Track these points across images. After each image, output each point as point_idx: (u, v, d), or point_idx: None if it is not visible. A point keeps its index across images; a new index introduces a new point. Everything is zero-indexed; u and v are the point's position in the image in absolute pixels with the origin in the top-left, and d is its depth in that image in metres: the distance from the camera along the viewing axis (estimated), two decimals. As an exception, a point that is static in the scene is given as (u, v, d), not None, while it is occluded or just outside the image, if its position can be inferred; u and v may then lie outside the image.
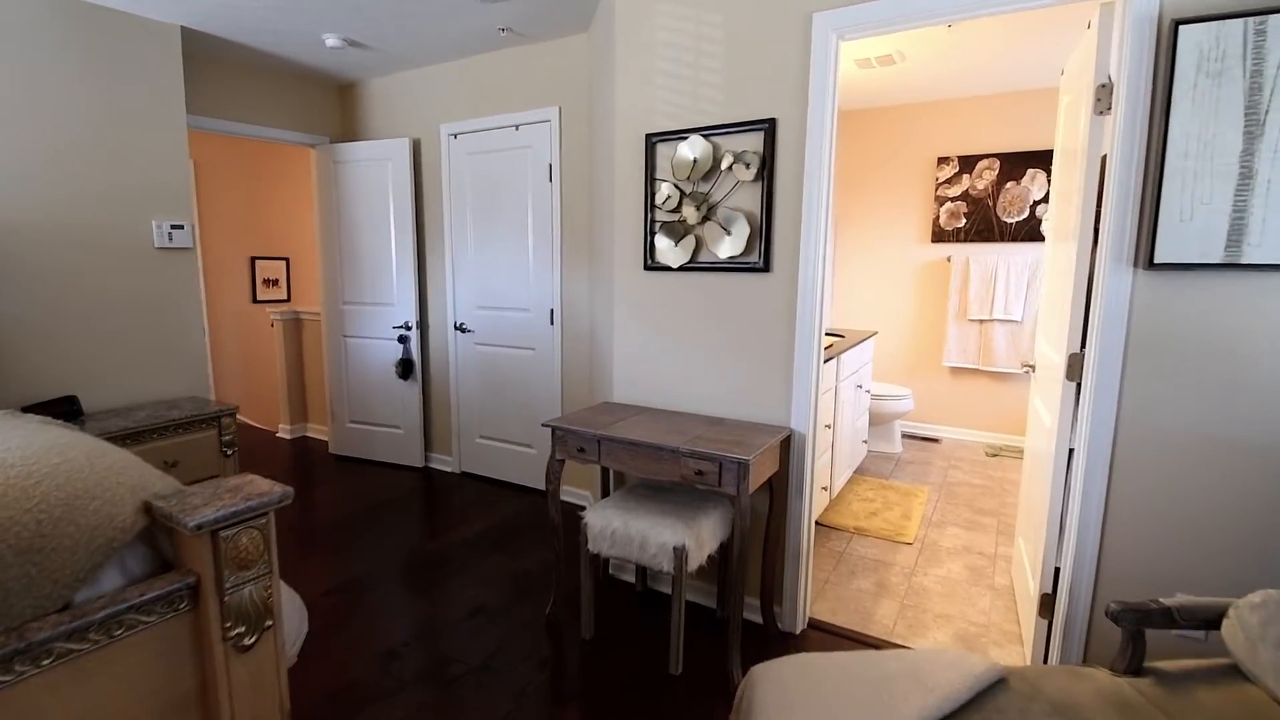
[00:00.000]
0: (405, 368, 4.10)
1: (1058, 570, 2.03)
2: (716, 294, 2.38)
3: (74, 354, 2.86)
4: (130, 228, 3.00)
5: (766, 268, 2.24)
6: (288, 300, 5.92)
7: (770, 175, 2.20)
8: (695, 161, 2.33)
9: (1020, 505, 2.69)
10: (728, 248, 2.30)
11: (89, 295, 2.89)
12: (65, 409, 2.76)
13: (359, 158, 4.04)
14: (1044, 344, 2.39)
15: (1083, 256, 1.85)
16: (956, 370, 4.84)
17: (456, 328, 3.97)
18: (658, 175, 2.46)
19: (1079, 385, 1.88)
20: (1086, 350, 1.82)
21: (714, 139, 2.31)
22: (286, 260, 5.90)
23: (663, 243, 2.46)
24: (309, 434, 5.13)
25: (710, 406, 2.44)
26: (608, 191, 2.70)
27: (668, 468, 2.07)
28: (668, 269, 2.47)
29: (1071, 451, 1.95)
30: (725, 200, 2.31)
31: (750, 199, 2.26)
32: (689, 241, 2.39)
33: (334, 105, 4.30)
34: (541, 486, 3.81)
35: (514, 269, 3.67)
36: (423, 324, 4.15)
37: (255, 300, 5.77)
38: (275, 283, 5.92)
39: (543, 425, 2.32)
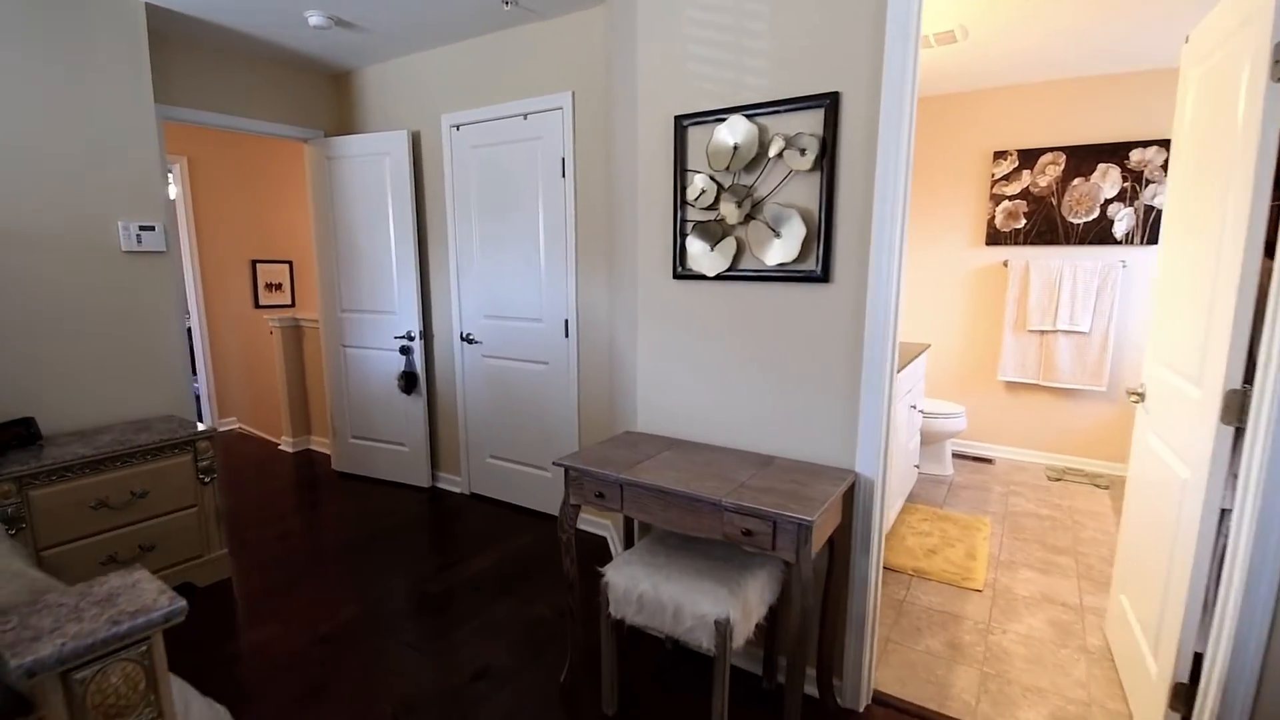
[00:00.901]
0: (408, 381, 3.76)
1: (1198, 655, 1.62)
2: (763, 308, 1.98)
3: (31, 371, 2.54)
4: (92, 230, 2.68)
5: (826, 277, 1.84)
6: (291, 305, 5.62)
7: (832, 163, 1.80)
8: (736, 148, 1.94)
9: (1121, 554, 2.27)
10: (777, 252, 1.91)
11: (48, 305, 2.57)
12: (20, 433, 2.45)
13: (354, 153, 3.70)
14: (1161, 369, 1.97)
15: (1250, 264, 1.43)
16: (1013, 385, 4.39)
17: (463, 338, 3.62)
18: (690, 165, 2.07)
19: (1239, 431, 1.47)
20: (1256, 387, 1.41)
21: (760, 120, 1.91)
22: (290, 264, 5.61)
23: (696, 246, 2.07)
24: (312, 447, 4.82)
25: (755, 441, 2.05)
26: (629, 187, 2.32)
27: (707, 523, 1.68)
28: (702, 278, 2.08)
29: (1224, 512, 1.53)
30: (774, 195, 1.91)
31: (806, 193, 1.86)
32: (728, 245, 2.00)
33: (328, 96, 3.96)
34: (557, 513, 3.44)
35: (524, 275, 3.30)
36: (426, 334, 3.80)
37: (257, 305, 5.48)
38: (278, 287, 5.63)
39: (554, 464, 1.94)
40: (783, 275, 1.92)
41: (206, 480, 2.75)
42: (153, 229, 2.85)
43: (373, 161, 3.65)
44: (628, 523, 2.24)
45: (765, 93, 1.90)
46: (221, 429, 5.42)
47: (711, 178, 2.01)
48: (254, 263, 5.42)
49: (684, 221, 2.10)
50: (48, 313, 2.57)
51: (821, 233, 1.83)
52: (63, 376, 2.62)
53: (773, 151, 1.87)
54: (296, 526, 3.39)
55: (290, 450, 4.77)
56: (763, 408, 2.01)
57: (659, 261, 2.19)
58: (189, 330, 6.01)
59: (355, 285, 3.89)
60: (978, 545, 3.07)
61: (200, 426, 2.74)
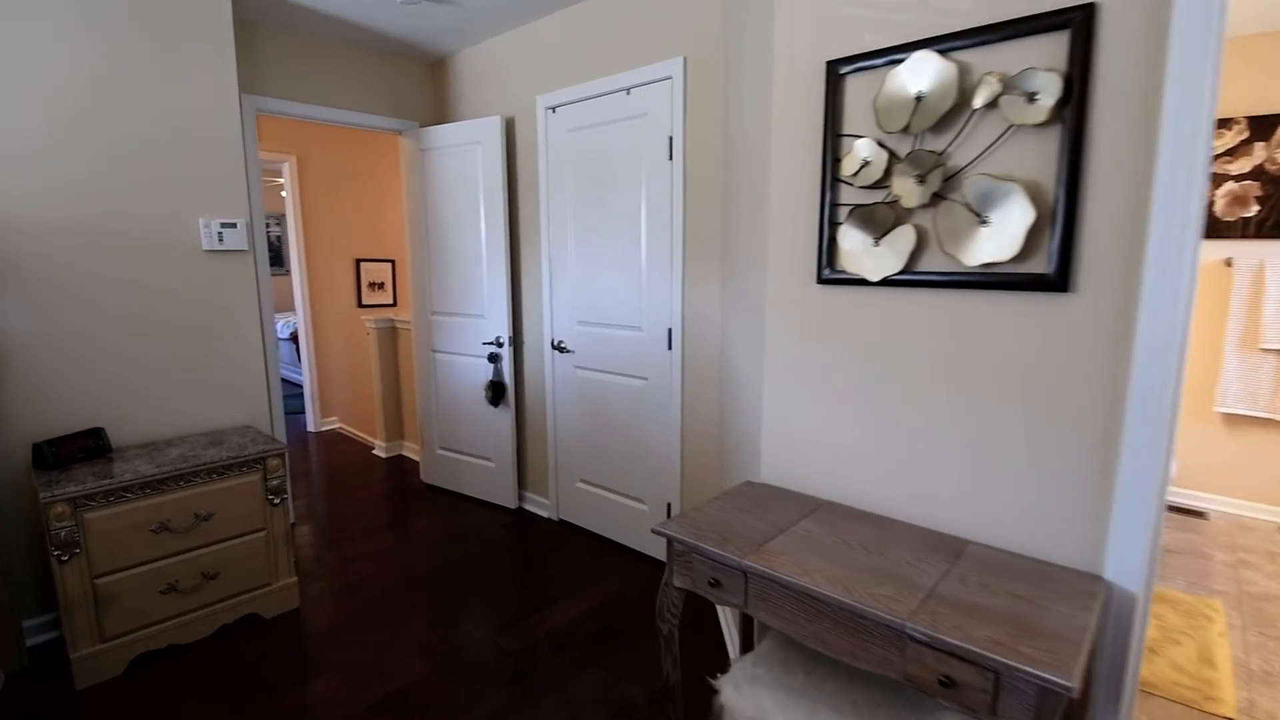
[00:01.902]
0: (496, 392, 3.43)
1: None
2: (956, 326, 1.40)
3: (104, 378, 2.39)
4: (171, 227, 2.50)
5: (1063, 283, 1.23)
6: (393, 305, 5.54)
7: (1080, 112, 1.19)
8: (920, 99, 1.37)
9: None
10: (985, 247, 1.32)
11: (122, 308, 2.41)
12: (89, 445, 2.29)
13: (446, 143, 3.41)
14: None
15: None
16: (1234, 419, 3.43)
17: (554, 346, 3.23)
18: (846, 129, 1.52)
19: None
20: None
21: (960, 55, 1.33)
22: (392, 263, 5.53)
23: (853, 239, 1.51)
24: (404, 453, 4.65)
25: (936, 514, 1.46)
26: (756, 163, 1.80)
27: (878, 654, 1.13)
28: (861, 283, 1.52)
29: None
30: (980, 163, 1.32)
31: (1034, 159, 1.26)
32: (903, 236, 1.43)
33: (423, 85, 3.71)
34: (658, 555, 2.97)
35: (623, 276, 2.85)
36: (516, 340, 3.45)
37: (360, 304, 5.44)
38: (380, 286, 5.57)
39: (654, 532, 1.46)
40: (991, 280, 1.32)
41: (276, 501, 2.50)
42: (235, 226, 2.65)
43: (465, 152, 3.34)
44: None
45: (967, 16, 1.32)
46: (323, 428, 5.42)
47: (880, 144, 1.45)
48: (358, 262, 5.37)
49: (834, 206, 1.55)
50: (122, 315, 2.41)
51: (1059, 217, 1.22)
52: (136, 384, 2.46)
53: (980, 100, 1.29)
54: (377, 547, 3.13)
55: (383, 456, 4.63)
56: (950, 468, 1.43)
57: (796, 260, 1.65)
58: (294, 331, 6.09)
59: (445, 286, 3.61)
60: (1213, 644, 2.28)
61: (277, 440, 2.50)
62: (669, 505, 2.82)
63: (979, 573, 1.24)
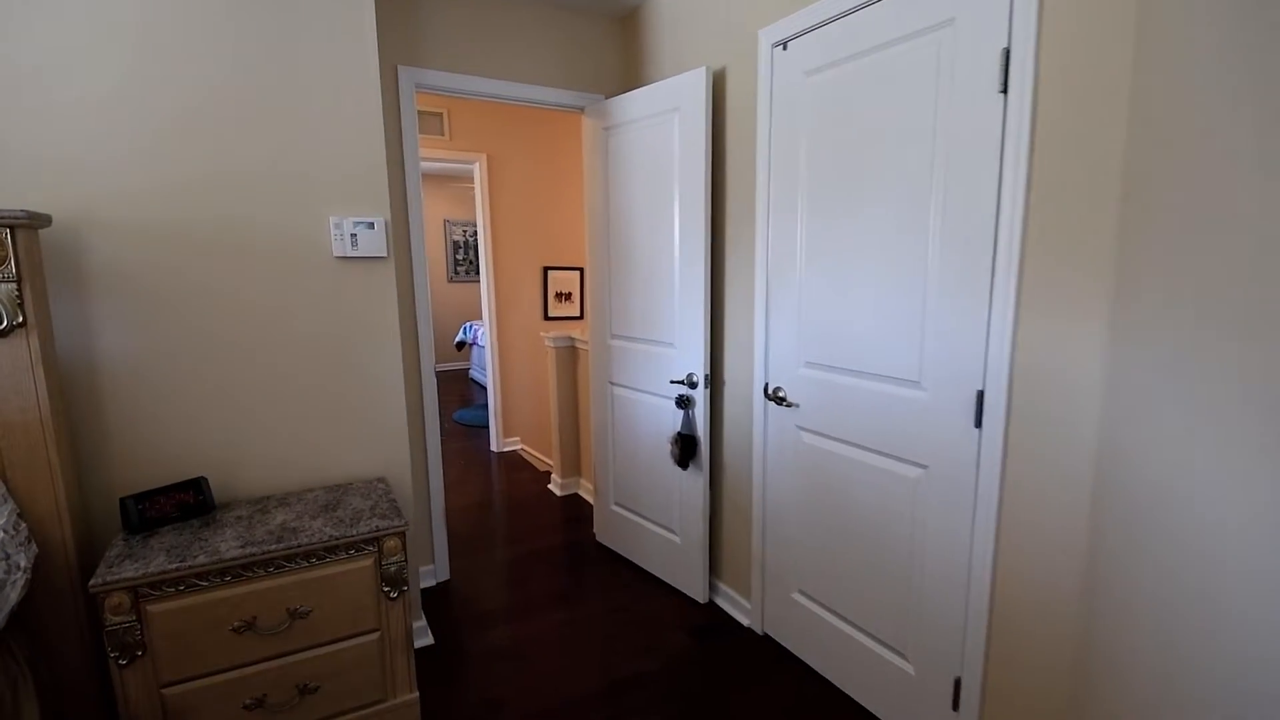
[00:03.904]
0: (685, 449, 2.55)
1: None
2: None
3: (210, 416, 1.93)
4: (293, 228, 1.98)
5: None
6: (579, 318, 5.00)
7: None
8: None
9: None
10: None
11: (234, 328, 1.93)
12: (187, 500, 1.84)
13: (633, 115, 2.61)
14: None
15: None
16: None
17: (769, 395, 2.25)
18: None
19: None
20: None
21: None
22: (580, 271, 4.99)
23: None
24: (581, 493, 4.02)
25: None
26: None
27: None
28: None
29: None
30: None
31: None
32: None
33: (611, 47, 2.97)
34: (918, 738, 1.86)
35: (887, 297, 1.79)
36: (714, 381, 2.54)
37: (547, 317, 4.98)
38: (568, 297, 5.06)
39: None
40: None
41: (394, 595, 1.86)
42: (371, 226, 2.09)
43: (656, 125, 2.52)
44: None
45: None
46: (505, 448, 5.03)
47: None
48: (545, 269, 4.91)
49: None
50: (233, 337, 1.93)
51: None
52: (248, 424, 1.98)
53: None
54: (531, 635, 2.44)
55: (559, 494, 4.03)
56: None
57: None
58: (485, 346, 5.79)
59: (626, 302, 2.83)
60: None
61: (398, 514, 1.89)
62: (957, 681, 1.70)
63: None
